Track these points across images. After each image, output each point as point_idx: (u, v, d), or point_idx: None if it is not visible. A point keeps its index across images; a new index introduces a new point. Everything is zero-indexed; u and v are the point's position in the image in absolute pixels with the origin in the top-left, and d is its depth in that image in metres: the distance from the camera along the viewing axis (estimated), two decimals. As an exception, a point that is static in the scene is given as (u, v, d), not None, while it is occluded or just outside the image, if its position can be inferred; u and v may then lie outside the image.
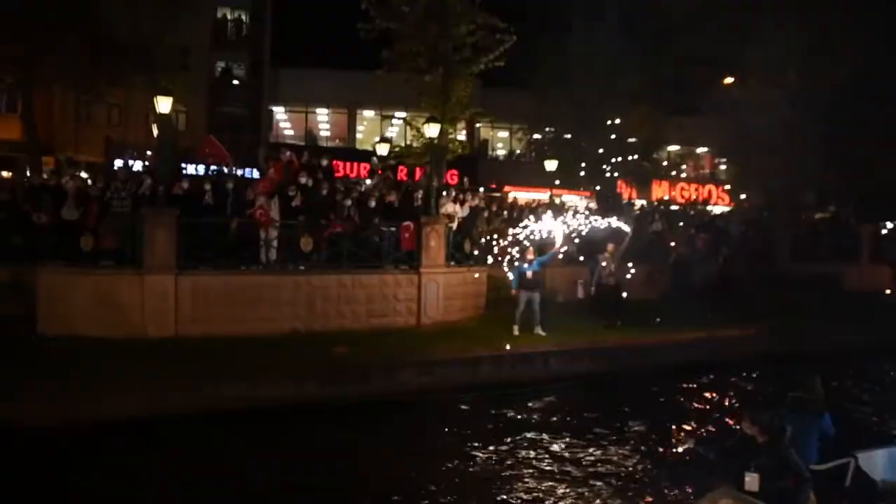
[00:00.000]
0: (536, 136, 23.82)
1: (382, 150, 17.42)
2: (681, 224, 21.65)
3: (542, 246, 14.79)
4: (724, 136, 22.37)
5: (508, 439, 9.85)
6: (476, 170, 31.33)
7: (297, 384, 11.26)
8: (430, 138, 15.07)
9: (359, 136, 33.33)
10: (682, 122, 27.42)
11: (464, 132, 32.94)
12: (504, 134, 35.37)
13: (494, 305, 15.72)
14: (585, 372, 13.20)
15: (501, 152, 35.89)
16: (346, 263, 13.68)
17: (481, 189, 22.31)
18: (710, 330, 15.68)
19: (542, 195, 28.82)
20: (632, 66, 21.45)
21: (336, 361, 11.96)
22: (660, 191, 34.18)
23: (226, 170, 16.67)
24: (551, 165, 19.78)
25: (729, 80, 19.98)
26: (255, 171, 18.77)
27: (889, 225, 25.05)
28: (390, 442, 9.99)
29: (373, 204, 14.08)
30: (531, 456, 9.30)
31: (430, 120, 14.92)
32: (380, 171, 16.47)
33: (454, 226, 14.64)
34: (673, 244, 19.32)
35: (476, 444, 9.63)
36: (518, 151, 31.19)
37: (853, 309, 18.05)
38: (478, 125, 33.20)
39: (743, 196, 25.32)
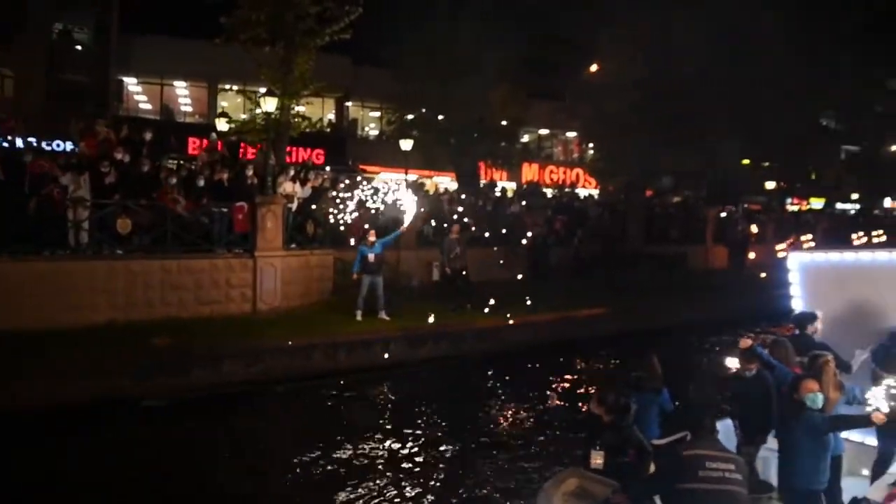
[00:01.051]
0: (409, 116, 23.18)
1: (222, 125, 16.21)
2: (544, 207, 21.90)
3: (387, 227, 14.31)
4: (586, 119, 22.71)
5: (340, 437, 9.27)
6: (345, 149, 30.47)
7: (109, 379, 10.18)
8: (266, 113, 14.07)
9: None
10: (549, 104, 27.74)
11: (332, 112, 32.07)
12: (376, 114, 34.57)
13: (342, 290, 15.03)
14: (430, 357, 12.93)
15: (375, 132, 35.11)
16: (172, 247, 12.53)
17: (328, 168, 21.38)
18: (562, 310, 15.86)
19: (412, 176, 28.50)
20: (496, 45, 21.25)
21: (155, 353, 10.93)
22: (529, 173, 34.73)
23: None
24: (406, 145, 19.29)
25: (594, 64, 20.23)
26: (67, 144, 16.91)
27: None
28: (203, 439, 9.18)
29: (202, 182, 12.97)
30: (362, 450, 8.85)
31: (267, 94, 13.93)
32: (220, 147, 15.30)
33: (294, 206, 13.79)
34: (531, 226, 19.42)
35: (304, 440, 9.06)
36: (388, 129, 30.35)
37: (695, 287, 18.89)
38: (348, 104, 32.22)
39: (604, 180, 25.97)
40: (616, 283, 17.74)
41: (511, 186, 30.07)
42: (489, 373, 12.61)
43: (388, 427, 9.84)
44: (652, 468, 5.22)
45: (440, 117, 21.53)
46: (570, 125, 27.97)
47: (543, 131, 36.79)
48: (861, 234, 19.14)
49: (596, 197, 28.19)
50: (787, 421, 5.51)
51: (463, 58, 20.88)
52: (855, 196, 39.63)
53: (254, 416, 10.31)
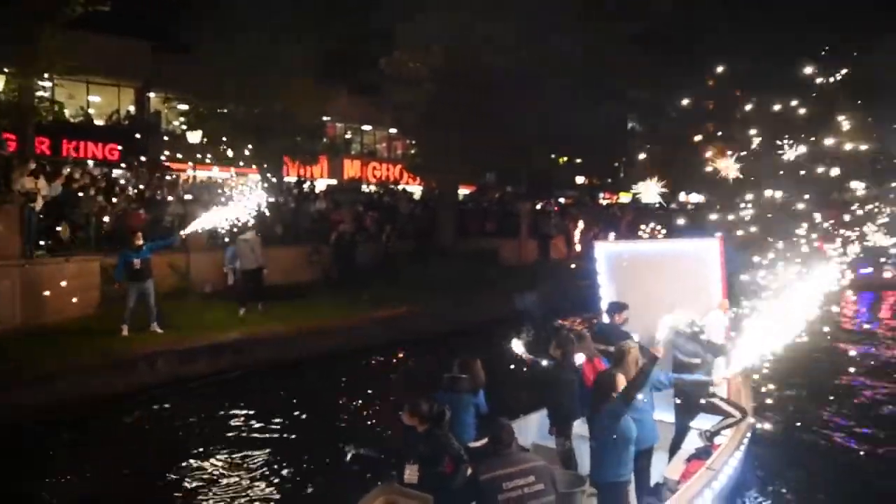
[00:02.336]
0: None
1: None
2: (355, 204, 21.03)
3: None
4: (397, 113, 22.12)
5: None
6: (146, 144, 27.58)
7: None
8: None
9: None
10: (368, 99, 26.89)
11: (131, 104, 28.96)
12: (185, 106, 31.82)
13: (114, 301, 13.13)
14: (207, 372, 11.49)
15: (185, 127, 32.29)
16: None
17: (90, 162, 19.04)
18: (367, 311, 15.10)
19: (223, 174, 26.40)
20: (300, 36, 20.01)
21: None
22: (351, 170, 33.82)
23: None
24: (194, 137, 17.60)
25: (393, 56, 19.54)
26: None
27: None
28: None
29: None
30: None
31: (-1, 72, 11.79)
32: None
33: (37, 206, 11.76)
34: (339, 223, 18.50)
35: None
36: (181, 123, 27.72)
37: (505, 281, 18.87)
38: (150, 95, 29.28)
39: (421, 175, 25.62)
40: (426, 281, 17.28)
41: (332, 183, 29.04)
42: (277, 387, 11.41)
43: (166, 454, 8.44)
44: (468, 472, 5.07)
45: (238, 110, 19.92)
46: (383, 120, 27.33)
47: (366, 127, 36.03)
48: (650, 226, 20.21)
49: (418, 193, 27.80)
50: (595, 413, 5.50)
51: (263, 48, 19.45)
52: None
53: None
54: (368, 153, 35.52)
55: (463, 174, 23.46)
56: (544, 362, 7.09)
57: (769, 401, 10.25)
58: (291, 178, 24.11)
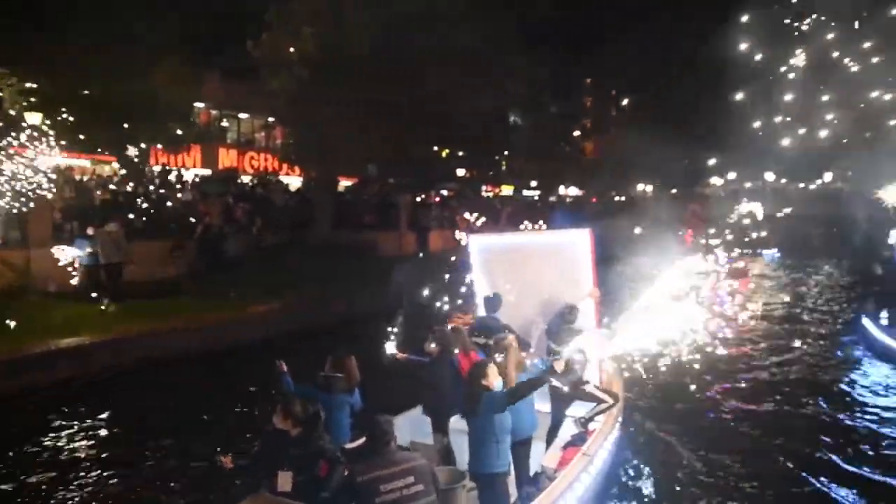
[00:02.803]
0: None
1: None
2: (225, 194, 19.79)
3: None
4: (270, 100, 21.02)
5: None
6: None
7: None
8: None
9: None
10: (245, 86, 25.41)
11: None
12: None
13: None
14: (38, 385, 10.06)
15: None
16: None
17: None
18: (234, 308, 14.16)
19: (82, 161, 24.11)
20: (167, 14, 18.48)
21: None
22: (227, 160, 32.04)
23: None
24: (33, 118, 15.79)
25: (262, 40, 18.44)
26: None
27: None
28: None
29: None
30: None
31: None
32: None
33: None
34: (206, 215, 17.30)
35: None
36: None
37: (384, 274, 18.40)
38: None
39: (297, 165, 24.59)
40: (300, 275, 16.52)
41: (206, 174, 27.31)
42: (129, 395, 10.31)
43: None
44: (345, 474, 4.84)
45: (93, 90, 18.11)
46: (260, 107, 26.04)
47: (243, 115, 34.22)
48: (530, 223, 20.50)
49: (279, 182, 26.59)
50: (471, 406, 5.35)
51: (119, 25, 17.78)
52: (534, 183, 44.01)
53: None
54: (246, 142, 33.73)
55: (340, 165, 22.69)
56: (419, 359, 7.02)
57: (638, 386, 10.49)
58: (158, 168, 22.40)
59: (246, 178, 28.43)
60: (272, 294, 15.01)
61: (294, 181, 29.20)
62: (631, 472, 7.75)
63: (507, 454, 5.35)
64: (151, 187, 17.70)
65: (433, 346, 6.88)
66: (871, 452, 8.41)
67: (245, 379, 10.84)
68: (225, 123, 33.19)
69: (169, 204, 17.20)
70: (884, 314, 13.06)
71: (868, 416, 9.75)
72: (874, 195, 25.47)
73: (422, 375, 6.94)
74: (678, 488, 7.49)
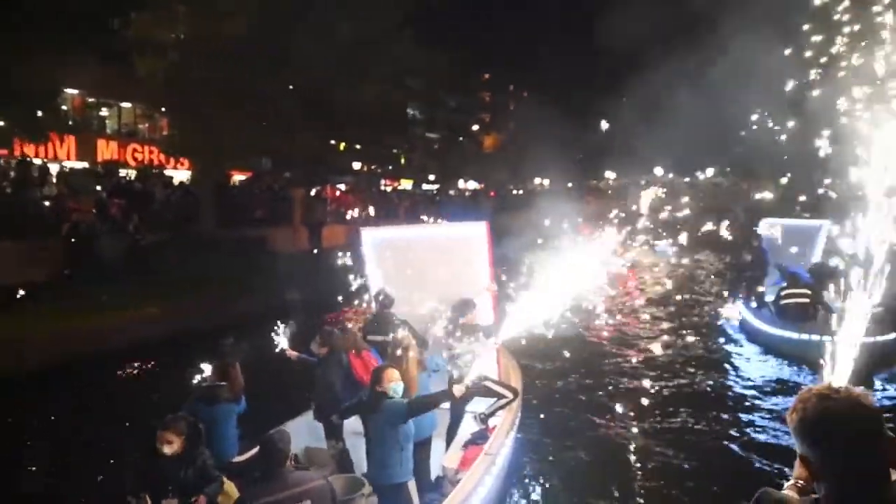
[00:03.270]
0: None
1: None
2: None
3: None
4: (144, 87, 19.43)
5: None
6: None
7: None
8: None
9: None
10: (118, 70, 23.38)
11: None
12: None
13: None
14: None
15: None
16: None
17: None
18: (106, 314, 12.85)
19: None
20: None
21: None
22: (107, 152, 29.61)
23: None
24: None
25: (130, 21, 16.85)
26: None
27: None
28: None
29: None
30: None
31: None
32: None
33: None
34: (75, 212, 15.72)
35: None
36: None
37: (276, 271, 17.43)
38: None
39: (181, 156, 23.07)
40: (182, 275, 15.35)
41: (82, 167, 25.03)
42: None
43: None
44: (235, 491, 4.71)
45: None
46: (140, 95, 24.18)
47: (125, 104, 31.66)
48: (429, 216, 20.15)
49: (159, 175, 24.84)
50: (369, 413, 5.15)
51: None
52: (432, 177, 43.98)
53: None
54: (128, 133, 31.20)
55: (227, 157, 21.32)
56: (311, 358, 6.80)
57: (537, 380, 10.41)
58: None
59: (130, 173, 26.37)
60: (150, 297, 13.81)
61: (183, 175, 27.38)
62: (528, 474, 7.57)
63: (410, 461, 5.14)
64: (5, 182, 15.83)
65: (320, 346, 6.63)
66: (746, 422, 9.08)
67: (111, 393, 9.76)
68: (104, 112, 30.68)
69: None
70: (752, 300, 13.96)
71: (734, 393, 10.50)
72: (752, 194, 27.00)
73: (311, 377, 6.71)
74: (581, 482, 7.38)
